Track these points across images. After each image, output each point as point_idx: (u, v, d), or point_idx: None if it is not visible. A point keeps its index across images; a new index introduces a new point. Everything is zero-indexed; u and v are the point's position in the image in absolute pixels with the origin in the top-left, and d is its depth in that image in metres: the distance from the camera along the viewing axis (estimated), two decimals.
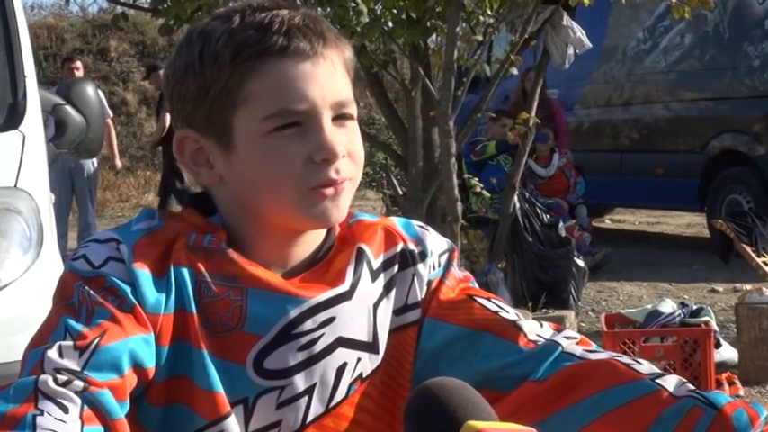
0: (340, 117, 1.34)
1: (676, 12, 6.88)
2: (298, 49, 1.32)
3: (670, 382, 1.34)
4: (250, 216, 1.36)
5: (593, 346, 1.44)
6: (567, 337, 1.42)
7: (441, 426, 1.19)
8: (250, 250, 1.36)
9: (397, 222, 1.49)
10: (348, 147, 1.34)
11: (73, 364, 1.20)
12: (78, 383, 1.18)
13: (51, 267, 3.60)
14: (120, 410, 1.21)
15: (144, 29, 18.16)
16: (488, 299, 1.46)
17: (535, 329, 1.43)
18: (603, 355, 1.39)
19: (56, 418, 1.14)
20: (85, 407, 1.17)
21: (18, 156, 3.79)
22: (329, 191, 1.32)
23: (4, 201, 3.64)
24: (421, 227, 1.49)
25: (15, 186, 3.69)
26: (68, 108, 4.30)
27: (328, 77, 1.33)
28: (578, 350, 1.40)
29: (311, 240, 1.39)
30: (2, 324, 3.37)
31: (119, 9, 7.16)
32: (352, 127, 1.37)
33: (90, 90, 4.43)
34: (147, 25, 17.62)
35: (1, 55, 4.16)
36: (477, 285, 1.51)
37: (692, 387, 1.34)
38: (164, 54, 17.60)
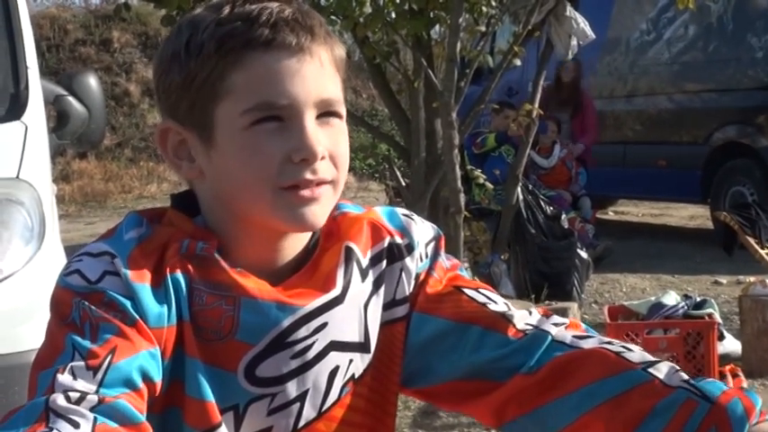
0: (325, 115, 1.30)
1: (681, 2, 6.87)
2: (283, 43, 1.27)
3: (662, 370, 1.31)
4: (231, 214, 1.33)
5: (583, 327, 1.42)
6: (556, 324, 1.39)
7: None
8: (234, 251, 1.33)
9: (381, 214, 1.44)
10: (331, 148, 1.30)
11: (87, 386, 1.17)
12: (93, 397, 1.16)
13: (53, 258, 3.59)
14: (140, 415, 1.18)
15: (146, 20, 18.14)
16: (476, 289, 1.43)
17: (523, 318, 1.40)
18: (593, 341, 1.36)
19: None
20: (98, 422, 1.13)
21: (20, 146, 3.79)
22: (305, 192, 1.28)
23: (6, 192, 3.64)
24: (405, 215, 1.45)
25: (17, 177, 3.69)
26: (71, 99, 4.29)
27: (314, 74, 1.29)
28: (568, 337, 1.37)
29: (297, 239, 1.36)
30: (4, 315, 3.37)
31: (121, 0, 7.16)
32: (339, 127, 1.32)
33: (92, 81, 4.42)
34: (149, 16, 17.59)
35: (3, 45, 4.15)
36: (465, 273, 1.48)
37: (684, 376, 1.31)
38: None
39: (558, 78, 9.98)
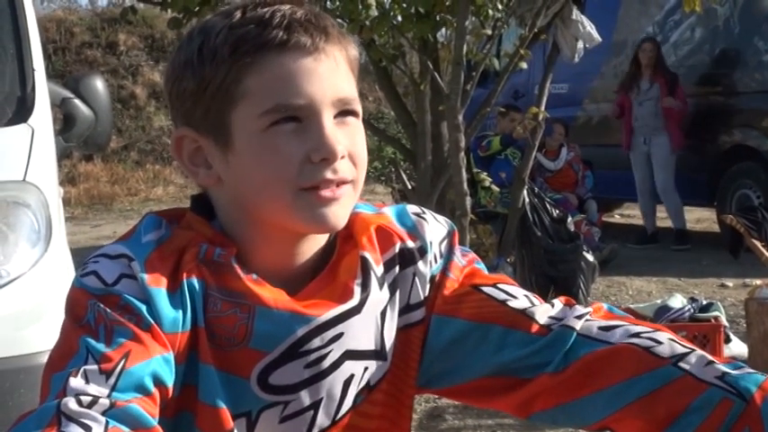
0: (343, 114, 1.30)
1: (687, 5, 6.86)
2: (298, 44, 1.27)
3: (693, 363, 1.29)
4: (249, 218, 1.32)
5: (605, 308, 1.40)
6: (579, 317, 1.36)
7: None
8: (251, 256, 1.32)
9: (391, 216, 1.42)
10: (349, 147, 1.29)
11: (99, 390, 1.17)
12: (105, 401, 1.15)
13: (60, 261, 3.60)
14: (152, 420, 1.17)
15: (153, 22, 18.15)
16: (494, 285, 1.41)
17: (546, 312, 1.38)
18: (620, 332, 1.33)
19: None
20: (110, 425, 1.13)
21: (27, 149, 3.79)
22: (326, 193, 1.27)
23: (13, 194, 3.64)
24: (416, 214, 1.43)
25: (24, 180, 3.69)
26: (77, 101, 4.30)
27: (330, 73, 1.29)
28: (593, 329, 1.35)
29: (314, 242, 1.35)
30: (10, 318, 3.37)
31: (128, 2, 7.17)
32: (356, 126, 1.32)
33: (98, 83, 4.43)
34: (155, 19, 17.59)
35: (10, 48, 4.16)
36: (482, 266, 1.46)
37: (719, 370, 1.28)
38: (173, 48, 17.60)
39: (636, 60, 9.94)
